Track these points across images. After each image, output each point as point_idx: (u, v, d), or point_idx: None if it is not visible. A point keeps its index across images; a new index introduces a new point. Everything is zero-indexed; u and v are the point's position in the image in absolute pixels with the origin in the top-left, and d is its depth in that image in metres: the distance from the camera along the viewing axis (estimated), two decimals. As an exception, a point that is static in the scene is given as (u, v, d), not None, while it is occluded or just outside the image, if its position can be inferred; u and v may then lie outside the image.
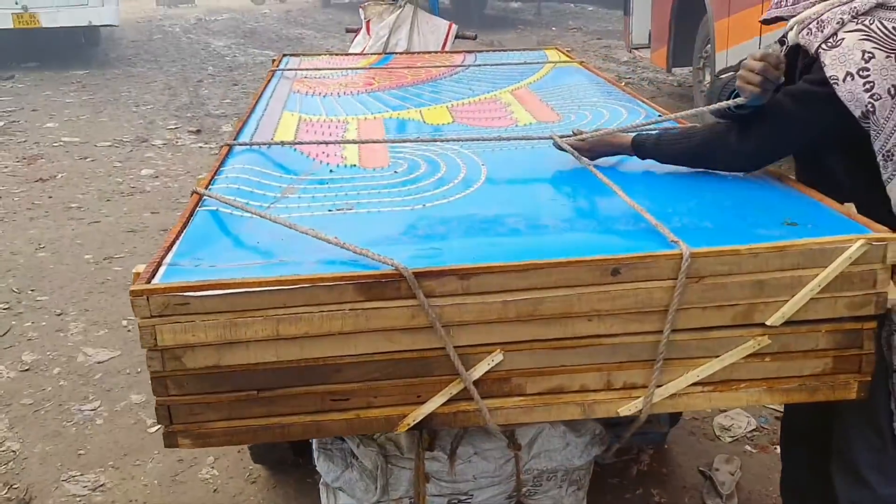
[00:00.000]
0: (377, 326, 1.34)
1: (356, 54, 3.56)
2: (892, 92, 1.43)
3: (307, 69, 3.19)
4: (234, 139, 2.17)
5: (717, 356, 1.41)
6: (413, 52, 3.55)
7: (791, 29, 1.59)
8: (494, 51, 3.59)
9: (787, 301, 1.37)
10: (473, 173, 1.87)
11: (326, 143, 2.10)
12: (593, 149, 1.88)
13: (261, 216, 1.58)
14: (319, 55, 3.54)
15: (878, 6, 1.46)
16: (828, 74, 1.45)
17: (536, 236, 1.50)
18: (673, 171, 1.79)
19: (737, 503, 2.36)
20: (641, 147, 1.80)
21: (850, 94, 1.43)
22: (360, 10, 3.93)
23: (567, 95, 2.57)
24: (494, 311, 1.34)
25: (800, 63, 1.62)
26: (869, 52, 1.43)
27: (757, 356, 1.42)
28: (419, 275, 1.30)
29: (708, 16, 5.83)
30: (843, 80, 1.44)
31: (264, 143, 2.09)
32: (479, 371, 1.38)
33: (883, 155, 1.47)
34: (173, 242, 1.48)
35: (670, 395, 1.43)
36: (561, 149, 1.89)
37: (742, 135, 1.62)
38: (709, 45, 5.75)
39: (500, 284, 1.33)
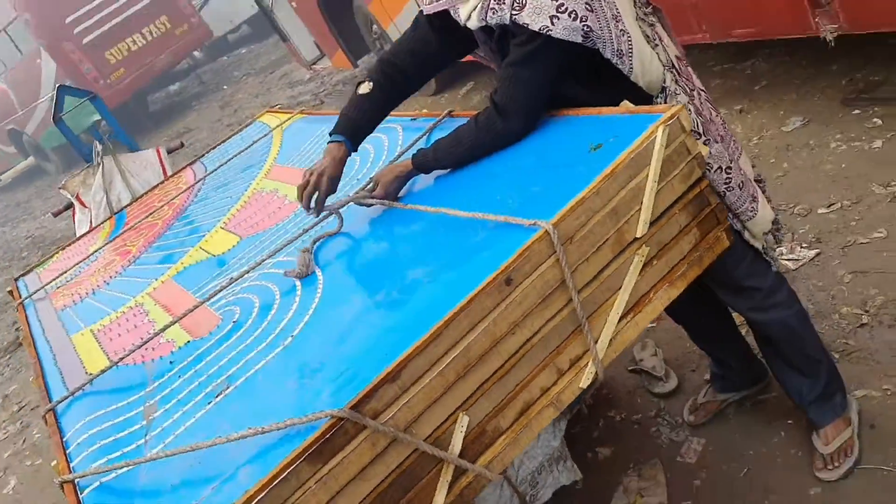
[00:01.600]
0: (348, 478, 1.25)
1: (87, 233, 3.25)
2: (589, 7, 1.59)
3: (53, 280, 2.86)
4: (49, 401, 1.90)
5: (621, 287, 1.50)
6: (141, 197, 3.31)
7: (468, 19, 1.69)
8: (212, 149, 3.44)
9: (640, 209, 1.48)
10: (307, 279, 1.79)
11: (144, 343, 1.91)
12: (388, 189, 1.89)
13: (152, 459, 1.41)
14: (52, 257, 3.18)
15: None
16: (537, 28, 1.58)
17: (419, 297, 1.48)
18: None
19: (675, 378, 2.55)
20: (424, 166, 1.86)
21: (566, 29, 1.57)
22: (62, 191, 3.58)
23: (318, 150, 2.54)
24: (438, 386, 1.31)
25: (487, 38, 1.75)
26: None
27: (647, 266, 1.52)
28: (355, 406, 1.24)
29: (356, 3, 6.03)
30: (553, 24, 1.57)
31: (86, 384, 1.85)
32: (457, 444, 1.35)
33: (617, 56, 1.63)
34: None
35: (609, 344, 1.49)
36: (368, 204, 1.88)
37: (503, 117, 1.73)
38: (375, 26, 5.95)
39: (426, 362, 1.30)
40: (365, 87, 1.90)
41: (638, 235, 1.49)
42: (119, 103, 10.69)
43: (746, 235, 1.82)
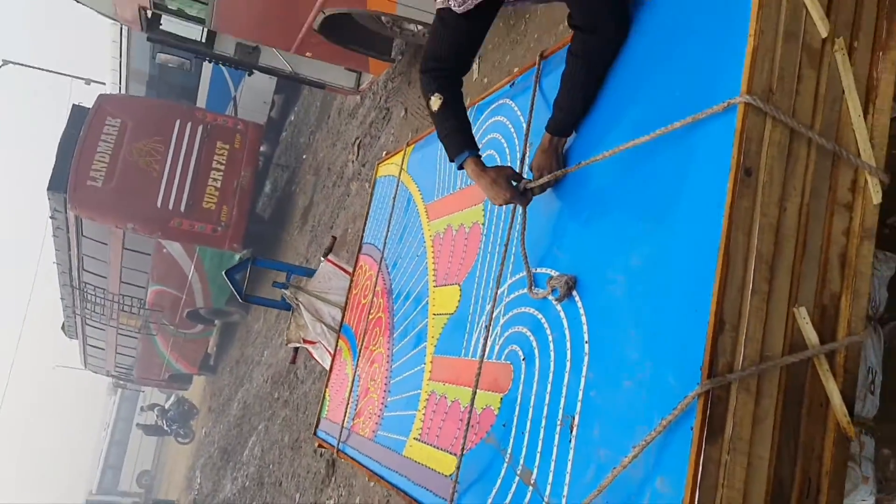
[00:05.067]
0: (748, 431, 1.26)
1: (333, 360, 3.50)
2: None
3: (344, 416, 3.10)
4: (435, 514, 2.07)
5: (844, 91, 1.38)
6: (346, 304, 3.51)
7: None
8: (364, 228, 3.56)
9: (807, 10, 1.35)
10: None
11: (468, 425, 2.02)
12: (552, 170, 1.88)
13: (568, 515, 1.49)
14: (325, 398, 3.46)
15: None
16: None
17: (675, 242, 1.44)
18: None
19: None
20: (562, 128, 1.85)
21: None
22: (290, 345, 3.92)
23: (449, 171, 2.56)
24: (759, 304, 1.28)
25: None
26: None
27: (851, 53, 1.39)
28: (709, 373, 1.24)
29: (354, 13, 5.96)
30: None
31: (455, 486, 2.00)
32: (811, 335, 1.31)
33: None
34: None
35: (872, 147, 1.38)
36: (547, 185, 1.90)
37: (595, 33, 1.70)
38: (384, 17, 5.87)
39: (735, 291, 1.27)
40: (436, 103, 1.94)
41: (824, 35, 1.36)
42: (244, 235, 11.43)
43: None
